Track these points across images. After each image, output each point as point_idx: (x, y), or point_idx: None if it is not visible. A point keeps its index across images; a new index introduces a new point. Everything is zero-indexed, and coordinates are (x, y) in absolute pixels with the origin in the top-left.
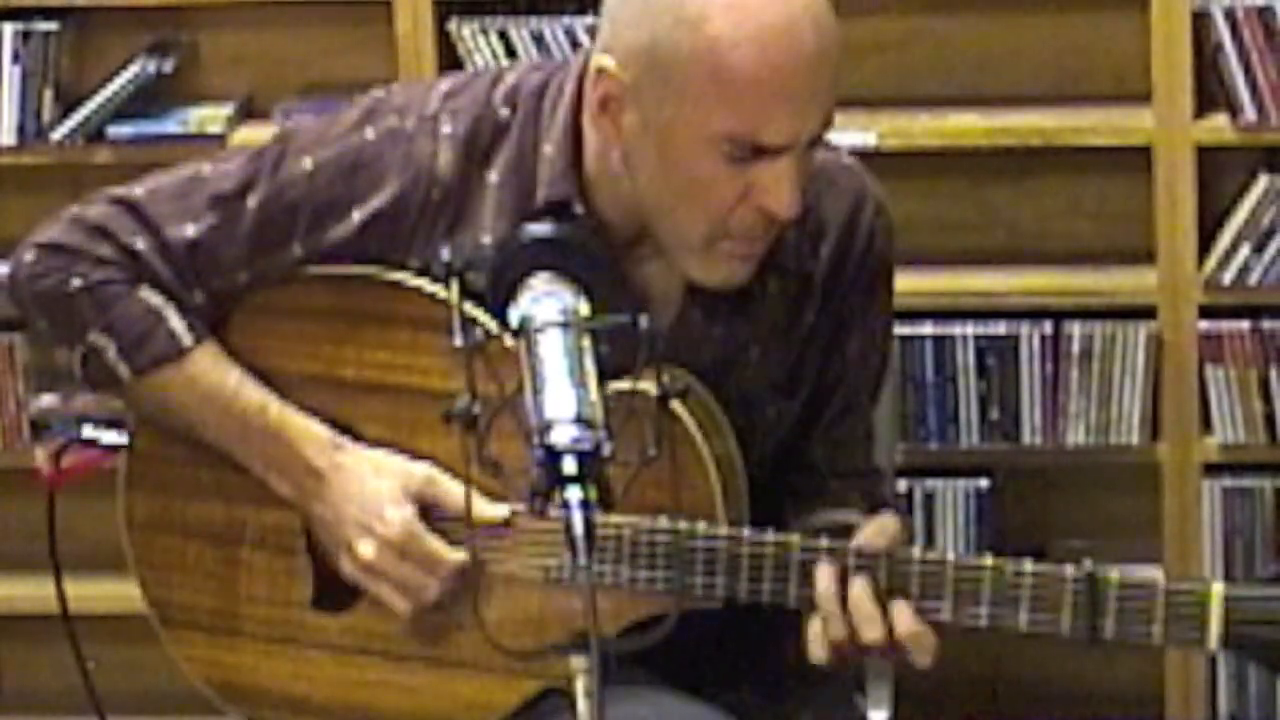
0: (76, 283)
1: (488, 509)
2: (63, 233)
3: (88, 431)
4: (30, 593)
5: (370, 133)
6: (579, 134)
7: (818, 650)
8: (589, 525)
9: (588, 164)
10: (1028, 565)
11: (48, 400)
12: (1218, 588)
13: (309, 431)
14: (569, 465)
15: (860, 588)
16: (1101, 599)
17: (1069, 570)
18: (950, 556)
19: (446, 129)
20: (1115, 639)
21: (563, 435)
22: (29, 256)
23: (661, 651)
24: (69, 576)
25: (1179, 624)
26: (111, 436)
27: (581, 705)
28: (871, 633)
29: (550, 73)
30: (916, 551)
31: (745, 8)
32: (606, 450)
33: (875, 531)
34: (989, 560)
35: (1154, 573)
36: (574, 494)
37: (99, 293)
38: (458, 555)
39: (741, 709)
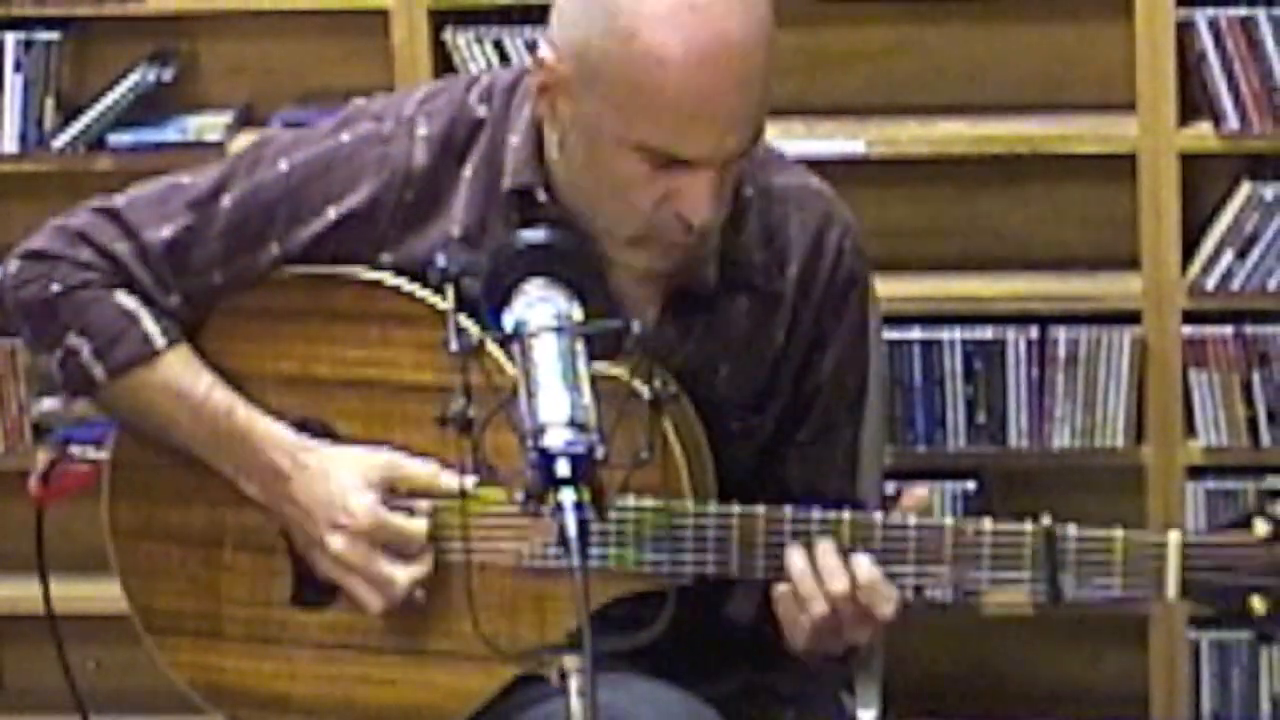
0: (56, 287)
1: (449, 480)
2: (46, 241)
3: (76, 451)
4: (32, 593)
5: (346, 135)
6: (542, 124)
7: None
8: (583, 527)
9: (549, 153)
10: (987, 523)
11: (49, 404)
12: (1174, 536)
13: (272, 434)
14: (563, 468)
15: (823, 546)
16: (1060, 553)
17: (1027, 526)
18: (911, 520)
19: (423, 130)
20: (1076, 594)
21: (556, 438)
22: (13, 266)
23: (648, 648)
24: (70, 578)
25: (1137, 575)
26: (100, 454)
27: (575, 704)
28: (836, 584)
29: (523, 70)
30: (878, 516)
31: (676, 25)
32: (600, 453)
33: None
34: (949, 520)
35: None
36: (567, 496)
37: (77, 296)
38: (424, 525)
39: (728, 708)
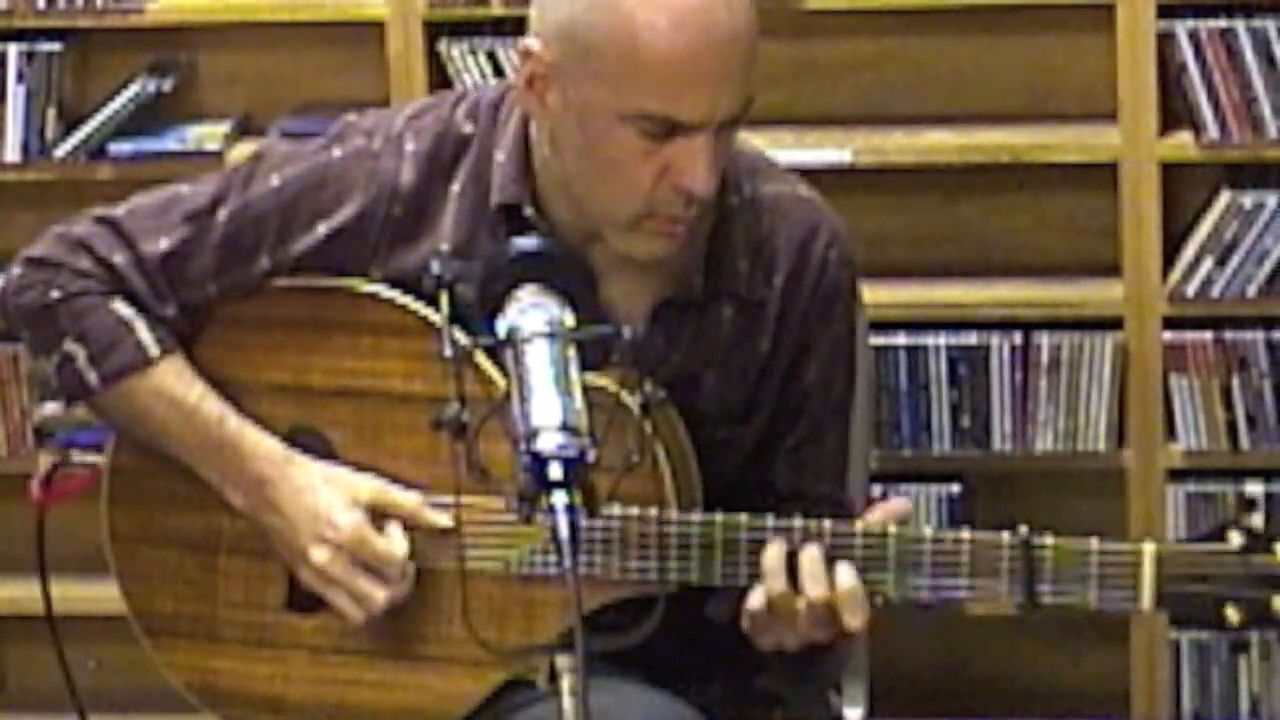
0: (55, 294)
1: (434, 516)
2: (47, 248)
3: (77, 456)
4: (33, 594)
5: (338, 151)
6: (530, 140)
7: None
8: (574, 529)
9: (537, 167)
10: (965, 534)
11: (50, 408)
12: (1149, 548)
13: (261, 445)
14: (555, 471)
15: (809, 552)
16: (1038, 563)
17: (1005, 537)
18: (892, 529)
19: (410, 146)
20: (1053, 603)
21: (549, 442)
22: (16, 271)
23: (636, 652)
24: (71, 579)
25: (1113, 585)
26: (100, 460)
27: (567, 704)
28: (815, 589)
29: (508, 86)
30: (859, 525)
31: None
32: (591, 456)
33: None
34: (928, 531)
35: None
36: (560, 499)
37: (75, 303)
38: (405, 548)
39: (715, 707)
